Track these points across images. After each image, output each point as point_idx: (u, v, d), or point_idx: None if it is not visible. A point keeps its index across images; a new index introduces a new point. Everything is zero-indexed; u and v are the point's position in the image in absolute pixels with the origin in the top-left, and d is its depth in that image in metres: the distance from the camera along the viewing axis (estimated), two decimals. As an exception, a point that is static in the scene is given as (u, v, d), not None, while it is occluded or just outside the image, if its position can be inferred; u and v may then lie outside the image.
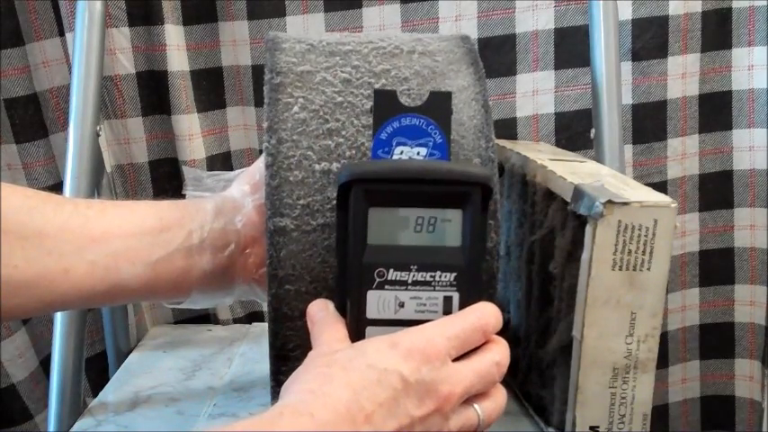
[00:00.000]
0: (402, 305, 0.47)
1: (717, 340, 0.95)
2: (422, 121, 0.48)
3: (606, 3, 0.73)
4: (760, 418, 0.94)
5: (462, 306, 0.47)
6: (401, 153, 0.48)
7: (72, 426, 0.67)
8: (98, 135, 0.72)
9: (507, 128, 0.87)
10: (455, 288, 0.47)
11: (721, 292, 0.94)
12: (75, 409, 0.70)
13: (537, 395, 0.64)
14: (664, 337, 0.94)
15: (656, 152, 0.90)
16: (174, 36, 0.82)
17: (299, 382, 0.43)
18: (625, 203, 0.52)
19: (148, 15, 0.81)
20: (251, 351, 0.81)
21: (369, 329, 0.47)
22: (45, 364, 0.86)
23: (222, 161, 0.88)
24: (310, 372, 0.44)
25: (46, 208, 0.53)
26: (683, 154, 0.91)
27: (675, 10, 0.86)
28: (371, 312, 0.47)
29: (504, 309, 0.70)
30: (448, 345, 0.44)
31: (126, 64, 0.82)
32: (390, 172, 0.46)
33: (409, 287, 0.47)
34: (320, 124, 0.52)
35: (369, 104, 0.52)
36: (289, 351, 0.53)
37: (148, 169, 0.86)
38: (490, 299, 0.52)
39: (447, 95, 0.48)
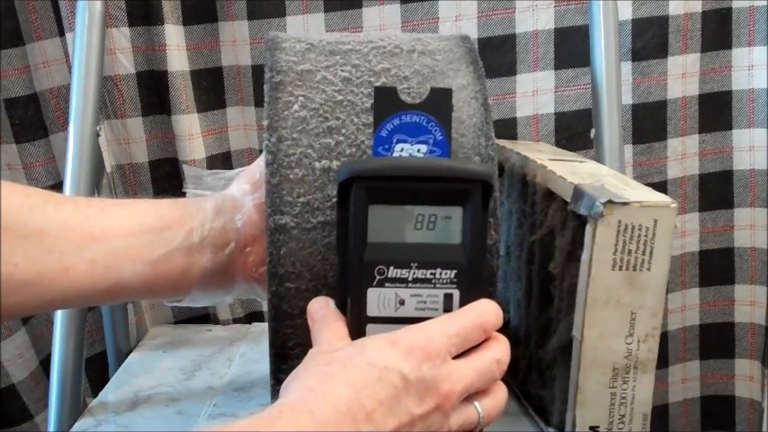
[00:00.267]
0: (402, 303, 0.47)
1: (717, 340, 0.95)
2: (422, 118, 0.48)
3: (606, 3, 0.73)
4: (760, 418, 0.94)
5: (463, 303, 0.47)
6: (401, 150, 0.48)
7: (72, 426, 0.67)
8: (98, 135, 0.72)
9: (507, 128, 0.87)
10: (455, 285, 0.47)
11: (721, 292, 0.94)
12: (75, 409, 0.70)
13: (537, 395, 0.64)
14: (664, 337, 0.94)
15: (656, 152, 0.90)
16: (174, 36, 0.82)
17: (299, 380, 0.43)
18: (625, 203, 0.52)
19: (148, 15, 0.81)
20: (251, 351, 0.81)
21: (369, 327, 0.47)
22: (45, 364, 0.86)
23: (222, 161, 0.88)
24: (310, 370, 0.44)
25: (46, 206, 0.53)
26: (683, 154, 0.91)
27: (675, 10, 0.86)
28: (372, 310, 0.47)
29: (504, 309, 0.70)
30: (448, 342, 0.44)
31: (126, 64, 0.82)
32: (391, 169, 0.46)
33: (410, 285, 0.47)
34: (320, 122, 0.52)
35: (369, 103, 0.52)
36: (289, 349, 0.53)
37: (148, 169, 0.86)
38: (490, 297, 0.52)
39: (447, 92, 0.48)
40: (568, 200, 0.56)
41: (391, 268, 0.46)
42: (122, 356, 0.81)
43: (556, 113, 0.88)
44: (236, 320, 0.90)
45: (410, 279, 0.47)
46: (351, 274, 0.47)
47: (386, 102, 0.48)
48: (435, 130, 0.48)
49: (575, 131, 0.88)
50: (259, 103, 0.86)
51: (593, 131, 0.75)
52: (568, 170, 0.60)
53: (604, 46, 0.73)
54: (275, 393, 0.51)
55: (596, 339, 0.55)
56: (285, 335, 0.52)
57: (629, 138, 0.88)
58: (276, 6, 0.83)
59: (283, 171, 0.51)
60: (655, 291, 0.54)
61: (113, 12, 0.80)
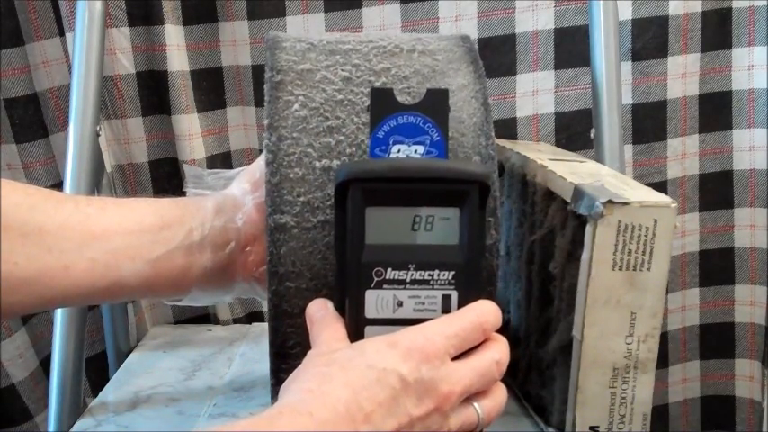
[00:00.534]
0: (400, 304, 0.47)
1: (717, 340, 0.95)
2: (419, 119, 0.48)
3: (606, 3, 0.73)
4: (760, 418, 0.94)
5: (461, 304, 0.47)
6: (398, 151, 0.48)
7: (72, 426, 0.67)
8: (98, 135, 0.72)
9: (507, 128, 0.87)
10: (453, 286, 0.47)
11: (721, 292, 0.94)
12: (75, 409, 0.70)
13: (537, 395, 0.64)
14: (664, 337, 0.94)
15: (656, 152, 0.90)
16: (174, 36, 0.82)
17: (299, 382, 0.43)
18: (625, 203, 0.52)
19: (148, 15, 0.81)
20: (251, 351, 0.81)
21: (368, 329, 0.47)
22: (45, 364, 0.86)
23: (222, 161, 0.88)
24: (309, 371, 0.44)
25: (47, 205, 0.53)
26: (683, 154, 0.91)
27: (675, 10, 0.86)
28: (370, 312, 0.47)
29: (504, 309, 0.70)
30: (447, 343, 0.44)
31: (126, 64, 0.82)
32: (387, 171, 0.46)
33: (408, 286, 0.47)
34: (320, 122, 0.52)
35: (369, 102, 0.52)
36: (289, 349, 0.53)
37: (148, 169, 0.86)
38: (490, 297, 0.52)
39: (444, 93, 0.48)
40: (568, 200, 0.56)
41: (389, 270, 0.46)
42: (122, 356, 0.81)
43: (556, 113, 0.88)
44: (236, 320, 0.90)
45: (408, 280, 0.47)
46: (349, 276, 0.47)
47: (382, 103, 0.48)
48: (432, 131, 0.48)
49: (575, 131, 0.88)
50: (259, 103, 0.86)
51: (593, 131, 0.75)
52: (568, 170, 0.60)
53: (604, 46, 0.73)
54: (275, 393, 0.51)
55: (596, 339, 0.55)
56: (285, 334, 0.52)
57: (629, 138, 0.88)
58: (276, 6, 0.83)
59: (283, 170, 0.51)
60: (655, 291, 0.54)
61: (113, 12, 0.80)
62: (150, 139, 0.85)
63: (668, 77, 0.88)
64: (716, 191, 0.92)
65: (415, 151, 0.48)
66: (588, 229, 0.53)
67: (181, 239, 0.55)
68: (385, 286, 0.46)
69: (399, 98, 0.48)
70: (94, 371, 0.87)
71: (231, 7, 0.84)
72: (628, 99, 0.87)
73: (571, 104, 0.87)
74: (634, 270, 0.53)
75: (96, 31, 0.73)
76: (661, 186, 0.90)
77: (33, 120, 0.83)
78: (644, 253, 0.53)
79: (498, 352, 0.47)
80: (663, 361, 0.95)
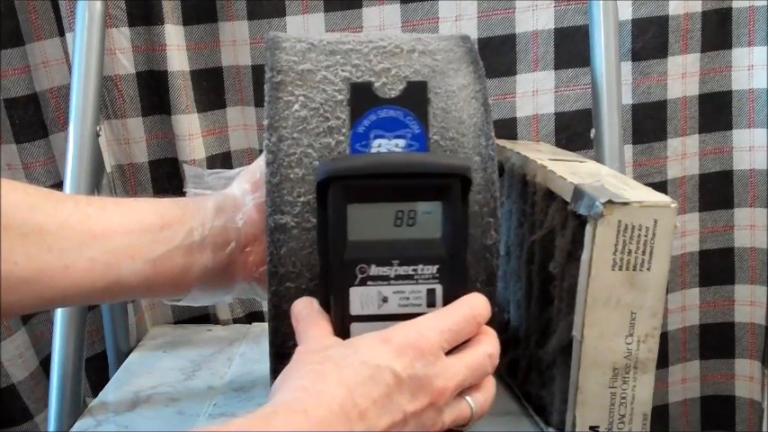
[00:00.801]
0: (385, 300, 0.47)
1: (717, 340, 0.95)
2: (399, 112, 0.48)
3: (606, 3, 0.73)
4: (760, 418, 0.94)
5: (446, 298, 0.47)
6: (379, 146, 0.48)
7: (72, 426, 0.67)
8: (98, 135, 0.72)
9: (507, 128, 0.87)
10: (438, 280, 0.47)
11: (721, 292, 0.94)
12: (75, 409, 0.70)
13: (537, 395, 0.64)
14: (664, 337, 0.94)
15: (656, 152, 0.90)
16: (174, 36, 0.82)
17: (292, 380, 0.43)
18: (625, 203, 0.52)
19: (148, 15, 0.81)
20: (251, 351, 0.81)
21: (353, 326, 0.47)
22: (45, 364, 0.86)
23: (222, 161, 0.88)
24: (302, 369, 0.43)
25: (47, 204, 0.53)
26: (683, 154, 0.91)
27: (675, 10, 0.86)
28: (355, 309, 0.47)
29: (504, 309, 0.70)
30: (440, 338, 0.44)
31: (126, 64, 0.82)
32: (367, 167, 0.46)
33: (392, 282, 0.47)
34: (321, 122, 0.52)
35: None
36: (289, 349, 0.52)
37: (148, 169, 0.86)
38: (490, 297, 0.52)
39: (423, 85, 0.48)
40: (568, 200, 0.56)
41: (373, 266, 0.46)
42: (122, 356, 0.81)
43: (556, 113, 0.88)
44: (236, 320, 0.90)
45: (392, 276, 0.46)
46: (332, 274, 0.47)
47: (362, 97, 0.48)
48: (413, 124, 0.48)
49: (575, 131, 0.88)
50: (259, 103, 0.86)
51: (593, 131, 0.74)
52: (568, 170, 0.60)
53: (604, 46, 0.73)
54: None
55: (596, 339, 0.55)
56: (285, 334, 0.52)
57: (629, 138, 0.88)
58: (276, 6, 0.83)
59: (284, 171, 0.51)
60: (655, 291, 0.54)
61: (113, 12, 0.80)
62: (150, 139, 0.85)
63: (668, 77, 0.88)
64: (716, 191, 0.92)
65: (396, 145, 0.48)
66: (588, 229, 0.53)
67: (181, 239, 0.55)
68: (369, 283, 0.46)
69: (376, 92, 0.48)
70: (94, 371, 0.87)
71: (231, 7, 0.84)
72: (628, 99, 0.87)
73: (571, 104, 0.87)
74: (634, 270, 0.53)
75: (96, 31, 0.73)
76: (661, 186, 0.90)
77: (33, 120, 0.83)
78: (644, 253, 0.53)
79: (491, 345, 0.47)
80: (663, 361, 0.95)
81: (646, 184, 0.59)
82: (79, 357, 0.70)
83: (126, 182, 0.86)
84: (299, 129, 0.52)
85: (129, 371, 0.77)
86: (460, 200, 0.46)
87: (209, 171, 0.63)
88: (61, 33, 0.81)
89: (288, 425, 0.40)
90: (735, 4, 0.87)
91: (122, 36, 0.81)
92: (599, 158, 0.73)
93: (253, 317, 0.91)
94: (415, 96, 0.48)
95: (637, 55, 0.86)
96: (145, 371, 0.76)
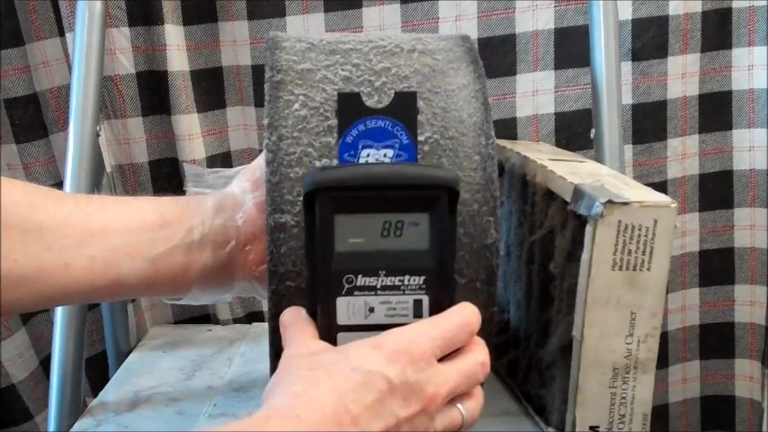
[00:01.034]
0: (372, 310, 0.47)
1: (717, 340, 0.95)
2: (387, 122, 0.48)
3: (606, 3, 0.73)
4: (760, 418, 0.94)
5: (432, 309, 0.47)
6: (368, 156, 0.48)
7: (72, 426, 0.67)
8: (98, 135, 0.72)
9: (507, 128, 0.87)
10: (424, 291, 0.47)
11: (721, 292, 0.94)
12: (75, 409, 0.70)
13: (537, 395, 0.64)
14: (664, 337, 0.94)
15: (656, 152, 0.90)
16: (174, 36, 0.82)
17: (283, 386, 0.43)
18: (625, 203, 0.52)
19: (148, 15, 0.81)
20: (251, 351, 0.81)
21: (340, 335, 0.47)
22: (45, 364, 0.86)
23: (222, 161, 0.88)
24: (293, 375, 0.44)
25: (46, 203, 0.53)
26: (683, 154, 0.91)
27: (675, 10, 0.86)
28: (342, 318, 0.47)
29: (504, 309, 0.70)
30: (432, 345, 0.45)
31: (126, 64, 0.82)
32: (354, 179, 0.46)
33: (378, 292, 0.47)
34: (321, 121, 0.52)
35: (369, 102, 0.52)
36: None
37: (148, 169, 0.86)
38: (490, 296, 0.52)
39: (412, 96, 0.48)
40: (568, 200, 0.56)
41: (360, 276, 0.46)
42: (122, 356, 0.81)
43: (556, 113, 0.88)
44: (236, 320, 0.90)
45: (379, 287, 0.47)
46: (319, 284, 0.47)
47: (350, 108, 0.48)
48: (401, 134, 0.48)
49: (575, 131, 0.88)
50: (259, 103, 0.86)
51: (593, 131, 0.75)
52: (568, 170, 0.60)
53: (604, 46, 0.73)
54: None
55: (596, 339, 0.55)
56: None
57: (629, 138, 0.88)
58: (276, 6, 0.83)
59: (284, 170, 0.51)
60: (655, 291, 0.54)
61: (113, 12, 0.80)
62: (150, 139, 0.85)
63: (668, 77, 0.88)
64: (716, 191, 0.92)
65: (385, 155, 0.48)
66: (588, 229, 0.53)
67: (181, 238, 0.55)
68: (356, 293, 0.47)
69: (364, 102, 0.48)
70: (94, 371, 0.87)
71: (231, 7, 0.84)
72: (628, 99, 0.87)
73: (571, 104, 0.87)
74: (634, 270, 0.53)
75: (96, 31, 0.73)
76: (661, 186, 0.90)
77: (33, 120, 0.83)
78: (644, 253, 0.53)
79: (482, 354, 0.47)
80: (663, 361, 0.95)
81: (646, 184, 0.59)
82: (79, 357, 0.70)
83: (126, 182, 0.86)
84: (299, 128, 0.52)
85: (129, 371, 0.77)
86: (448, 211, 0.46)
87: (209, 170, 0.63)
88: (61, 33, 0.81)
89: (281, 429, 0.40)
90: (735, 4, 0.87)
91: (122, 36, 0.81)
92: (599, 158, 0.73)
93: (253, 317, 0.91)
94: (404, 106, 0.48)
95: (637, 55, 0.86)
96: (145, 371, 0.76)
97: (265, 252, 0.51)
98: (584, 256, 0.54)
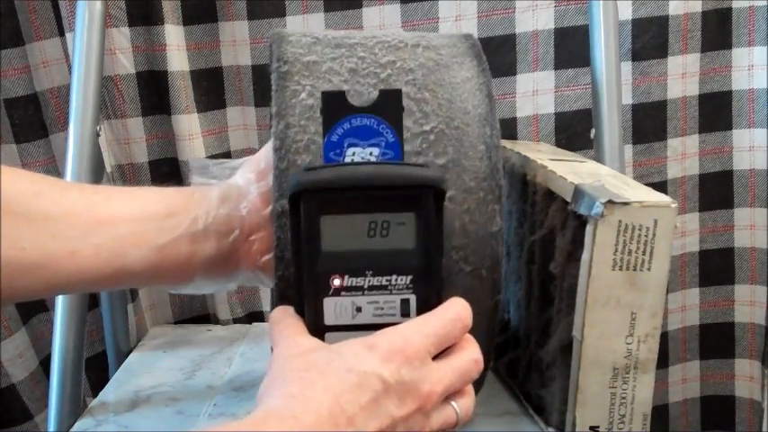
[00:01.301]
0: (359, 310, 0.47)
1: (717, 340, 0.95)
2: (372, 120, 0.47)
3: (606, 3, 0.73)
4: (760, 418, 0.94)
5: (420, 308, 0.47)
6: (353, 154, 0.48)
7: (72, 426, 0.67)
8: (98, 135, 0.72)
9: (507, 128, 0.87)
10: (411, 290, 0.47)
11: (721, 292, 0.94)
12: (75, 409, 0.70)
13: (537, 395, 0.64)
14: (664, 337, 0.94)
15: (656, 152, 0.90)
16: (174, 36, 0.82)
17: (278, 387, 0.43)
18: (625, 203, 0.52)
19: (148, 15, 0.81)
20: (251, 351, 0.81)
21: (327, 336, 0.47)
22: (45, 364, 0.86)
23: (222, 161, 0.88)
24: (287, 375, 0.43)
25: (52, 192, 0.53)
26: (683, 154, 0.91)
27: (675, 10, 0.86)
28: (329, 319, 0.47)
29: (504, 309, 0.70)
30: (426, 342, 0.44)
31: (126, 64, 0.82)
32: (339, 180, 0.46)
33: (366, 292, 0.46)
34: None
35: (375, 93, 0.52)
36: None
37: (148, 169, 0.86)
38: (495, 284, 0.52)
39: (397, 93, 0.48)
40: (569, 200, 0.56)
41: (346, 277, 0.46)
42: (122, 356, 0.81)
43: (556, 113, 0.88)
44: (236, 320, 0.90)
45: (366, 287, 0.46)
46: (306, 285, 0.47)
47: (334, 106, 0.47)
48: (386, 132, 0.48)
49: (575, 131, 0.88)
50: (259, 103, 0.86)
51: (593, 131, 0.75)
52: (569, 170, 0.60)
53: (604, 46, 0.73)
54: None
55: (596, 339, 0.55)
56: None
57: (629, 138, 0.88)
58: (276, 6, 0.83)
59: (291, 156, 0.51)
60: (655, 291, 0.54)
61: (113, 12, 0.80)
62: (150, 139, 0.85)
63: (668, 77, 0.88)
64: (716, 191, 0.92)
65: (371, 153, 0.48)
66: (588, 229, 0.53)
67: (186, 227, 0.55)
68: (343, 293, 0.46)
69: (349, 100, 0.48)
70: (94, 371, 0.87)
71: (231, 7, 0.84)
72: (628, 99, 0.87)
73: (571, 104, 0.87)
74: (634, 270, 0.53)
75: (96, 31, 0.73)
76: (661, 186, 0.90)
77: (33, 120, 0.83)
78: (644, 253, 0.53)
79: (475, 351, 0.47)
80: (663, 361, 0.95)
81: (646, 184, 0.60)
82: (79, 357, 0.70)
83: (126, 182, 0.86)
84: (307, 116, 0.52)
85: (129, 371, 0.77)
86: (434, 210, 0.46)
87: (214, 161, 0.63)
88: (61, 33, 0.81)
89: (279, 430, 0.40)
90: (735, 4, 0.87)
91: (122, 36, 0.81)
92: (599, 158, 0.73)
93: (253, 317, 0.91)
94: (389, 105, 0.48)
95: (637, 55, 0.86)
96: (145, 371, 0.76)
97: (269, 242, 0.52)
98: (585, 256, 0.54)
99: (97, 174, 0.74)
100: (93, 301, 0.84)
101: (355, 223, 0.46)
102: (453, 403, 0.46)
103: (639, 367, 0.55)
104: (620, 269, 0.53)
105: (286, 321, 0.48)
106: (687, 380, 0.97)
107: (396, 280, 0.46)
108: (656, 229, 0.52)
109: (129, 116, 0.84)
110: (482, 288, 0.52)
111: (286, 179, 0.50)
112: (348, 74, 0.54)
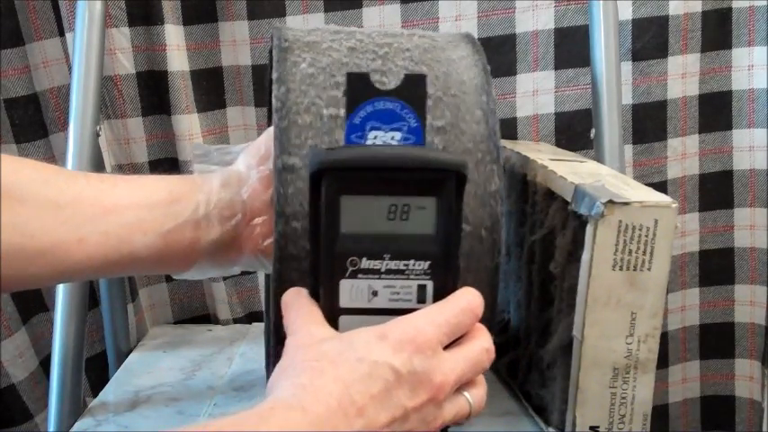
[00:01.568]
0: (375, 294, 0.46)
1: (717, 340, 0.95)
2: (396, 104, 0.47)
3: (606, 3, 0.73)
4: (760, 418, 0.94)
5: (437, 294, 0.46)
6: (375, 138, 0.47)
7: (72, 426, 0.67)
8: (98, 135, 0.73)
9: (507, 128, 0.87)
10: (429, 276, 0.46)
11: (721, 292, 0.94)
12: (75, 409, 0.70)
13: (537, 395, 0.64)
14: (664, 337, 0.94)
15: (656, 152, 0.90)
16: (174, 36, 0.82)
17: (289, 377, 0.43)
18: (626, 203, 0.52)
19: (148, 15, 0.81)
20: (251, 351, 0.81)
21: (342, 318, 0.46)
22: (45, 364, 0.86)
23: (222, 161, 0.88)
24: (298, 366, 0.43)
25: (59, 180, 0.54)
26: (683, 154, 0.91)
27: (675, 10, 0.86)
28: (344, 301, 0.46)
29: (504, 309, 0.70)
30: (438, 332, 0.44)
31: (126, 64, 0.82)
32: (362, 160, 0.45)
33: (383, 276, 0.46)
34: (328, 77, 0.53)
35: (375, 64, 0.52)
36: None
37: (148, 169, 0.86)
38: (495, 244, 0.52)
39: (422, 78, 0.48)
40: (569, 200, 0.56)
41: (364, 259, 0.46)
42: (122, 356, 0.81)
43: (556, 113, 0.88)
44: (236, 320, 0.90)
45: (383, 270, 0.46)
46: (323, 266, 0.46)
47: (359, 88, 0.47)
48: (409, 117, 0.47)
49: (575, 131, 0.88)
50: (259, 102, 0.86)
51: (593, 131, 0.75)
52: (569, 170, 0.60)
53: (604, 46, 0.73)
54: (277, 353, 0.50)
55: (596, 339, 0.55)
56: (289, 280, 0.51)
57: (629, 138, 0.88)
58: (276, 6, 0.83)
59: (292, 116, 0.51)
60: (655, 291, 0.54)
61: (113, 12, 0.80)
62: (150, 139, 0.85)
63: (668, 77, 0.88)
64: (716, 191, 0.92)
65: (392, 137, 0.47)
66: (589, 229, 0.53)
67: (190, 213, 0.56)
68: (360, 276, 0.46)
69: (373, 83, 0.47)
70: (94, 371, 0.87)
71: (231, 7, 0.84)
72: (628, 99, 0.87)
73: (571, 104, 0.87)
74: (634, 270, 0.53)
75: (96, 31, 0.73)
76: (661, 186, 0.90)
77: (33, 120, 0.83)
78: (644, 253, 0.53)
79: (486, 340, 0.47)
80: (663, 361, 0.95)
81: (646, 184, 0.60)
82: (79, 357, 0.70)
83: (126, 182, 0.86)
84: (307, 83, 0.52)
85: (129, 371, 0.77)
86: (455, 196, 0.46)
87: (216, 146, 0.64)
88: (61, 33, 0.81)
89: (286, 421, 0.40)
90: (735, 4, 0.87)
91: (122, 36, 0.81)
92: (599, 158, 0.73)
93: (253, 317, 0.91)
94: (414, 89, 0.47)
95: (637, 55, 0.86)
96: (145, 371, 0.76)
97: (271, 226, 0.52)
98: (585, 256, 0.54)
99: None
100: (93, 301, 0.84)
101: (376, 205, 0.46)
102: (466, 393, 0.46)
103: (639, 367, 0.55)
104: (621, 269, 0.53)
105: (299, 305, 0.48)
106: (687, 380, 0.97)
107: (413, 265, 0.46)
108: (656, 229, 0.52)
109: (129, 116, 0.84)
110: (482, 249, 0.51)
111: (287, 136, 0.51)
112: (347, 51, 0.54)
